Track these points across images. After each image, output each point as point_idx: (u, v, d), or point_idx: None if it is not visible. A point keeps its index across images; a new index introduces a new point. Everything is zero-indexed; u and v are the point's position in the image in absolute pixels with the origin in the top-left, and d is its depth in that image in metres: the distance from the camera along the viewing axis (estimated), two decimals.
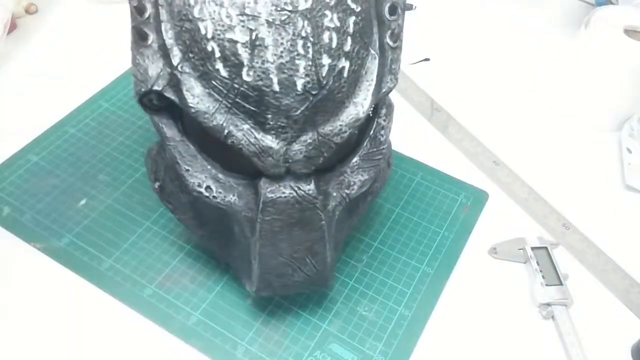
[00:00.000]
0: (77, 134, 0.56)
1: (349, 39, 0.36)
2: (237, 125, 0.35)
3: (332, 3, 0.35)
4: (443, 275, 0.48)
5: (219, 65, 0.34)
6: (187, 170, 0.38)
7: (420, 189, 0.55)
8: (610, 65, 0.58)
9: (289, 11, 0.34)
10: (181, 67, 0.35)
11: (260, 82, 0.34)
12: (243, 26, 0.34)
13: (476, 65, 0.70)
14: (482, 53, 0.71)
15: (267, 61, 0.34)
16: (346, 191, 0.40)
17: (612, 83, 0.59)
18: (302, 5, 0.34)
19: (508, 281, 0.49)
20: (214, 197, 0.38)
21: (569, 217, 0.53)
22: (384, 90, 0.39)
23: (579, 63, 0.61)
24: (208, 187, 0.38)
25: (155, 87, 0.37)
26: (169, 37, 0.36)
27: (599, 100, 0.61)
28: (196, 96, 0.35)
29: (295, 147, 0.36)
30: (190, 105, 0.35)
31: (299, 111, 0.35)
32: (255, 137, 0.35)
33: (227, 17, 0.34)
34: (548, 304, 0.47)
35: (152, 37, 0.36)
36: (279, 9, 0.34)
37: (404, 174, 0.56)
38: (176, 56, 0.36)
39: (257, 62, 0.34)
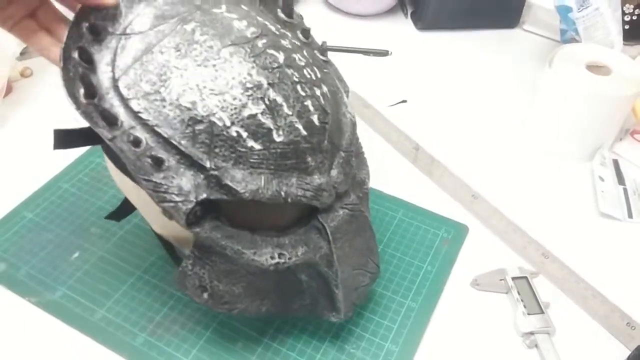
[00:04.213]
0: (71, 189, 0.58)
1: (315, 68, 0.41)
2: (287, 184, 0.37)
3: (293, 46, 0.40)
4: (428, 309, 0.50)
5: (251, 143, 0.36)
6: (254, 252, 0.39)
7: (402, 225, 0.57)
8: (575, 99, 0.61)
9: (278, 68, 0.37)
10: (214, 165, 0.36)
11: (291, 136, 0.37)
12: (253, 98, 0.36)
13: (451, 104, 0.73)
14: (455, 92, 0.75)
15: (288, 115, 0.37)
16: (364, 188, 0.45)
17: (579, 116, 0.62)
18: (281, 58, 0.38)
19: (491, 312, 0.50)
20: (289, 259, 0.39)
21: (548, 246, 0.54)
22: (346, 91, 0.45)
23: (547, 98, 0.64)
24: (280, 254, 0.39)
25: (202, 196, 0.36)
26: (184, 147, 0.35)
27: (569, 132, 0.64)
28: (241, 181, 0.36)
29: (334, 172, 0.40)
30: (242, 192, 0.36)
31: (325, 141, 0.39)
32: (306, 184, 0.38)
33: (234, 99, 0.36)
34: (531, 333, 0.48)
35: (165, 156, 0.35)
36: (270, 69, 0.37)
37: (385, 212, 0.58)
38: (203, 158, 0.35)
39: (281, 121, 0.36)
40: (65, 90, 0.35)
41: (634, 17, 0.79)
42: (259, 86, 0.36)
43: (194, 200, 0.36)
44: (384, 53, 0.80)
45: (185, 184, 0.35)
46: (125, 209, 0.49)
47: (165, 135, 0.35)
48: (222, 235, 0.38)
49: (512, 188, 0.61)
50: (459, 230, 0.56)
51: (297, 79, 0.38)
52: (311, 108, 0.38)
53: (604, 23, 0.70)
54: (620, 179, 0.61)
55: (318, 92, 0.39)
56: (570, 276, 0.52)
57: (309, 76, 0.39)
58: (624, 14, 0.77)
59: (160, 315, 0.48)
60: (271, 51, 0.38)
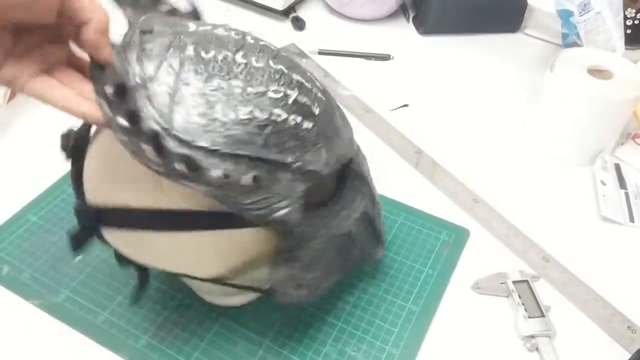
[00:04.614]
0: None
1: None
2: (337, 147, 0.41)
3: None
4: (429, 313, 0.50)
5: (306, 124, 0.38)
6: (338, 221, 0.42)
7: (404, 229, 0.57)
8: (576, 103, 0.61)
9: (278, 53, 0.39)
10: (293, 158, 0.37)
11: (322, 105, 0.40)
12: (287, 85, 0.37)
13: (452, 108, 0.73)
14: (457, 97, 0.75)
15: (311, 89, 0.39)
16: None
17: (580, 120, 0.62)
18: (271, 46, 0.40)
19: (492, 315, 0.50)
20: (354, 212, 0.44)
21: (549, 250, 0.54)
22: None
23: (549, 103, 0.64)
24: (352, 212, 0.43)
25: (302, 189, 0.38)
26: (264, 154, 0.36)
27: (570, 136, 0.64)
28: (316, 161, 0.38)
29: (345, 123, 0.44)
30: (321, 170, 0.39)
31: (332, 101, 0.43)
32: (344, 141, 0.42)
33: (276, 92, 0.37)
34: (532, 336, 0.48)
35: (256, 172, 0.36)
36: (278, 57, 0.39)
37: (387, 216, 0.58)
38: (283, 157, 0.37)
39: (311, 96, 0.39)
40: (140, 161, 0.34)
41: (636, 21, 0.79)
42: (282, 73, 0.38)
43: (299, 196, 0.37)
44: (385, 57, 0.81)
45: (283, 187, 0.37)
46: (143, 284, 0.47)
47: (246, 153, 0.35)
48: (316, 221, 0.40)
49: (513, 192, 0.61)
50: (460, 234, 0.57)
51: (291, 58, 0.40)
52: (313, 77, 0.41)
53: (605, 27, 0.71)
54: (622, 183, 0.62)
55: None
56: (571, 280, 0.52)
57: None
58: (625, 18, 0.77)
59: (163, 318, 0.48)
60: (261, 43, 0.39)
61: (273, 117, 0.36)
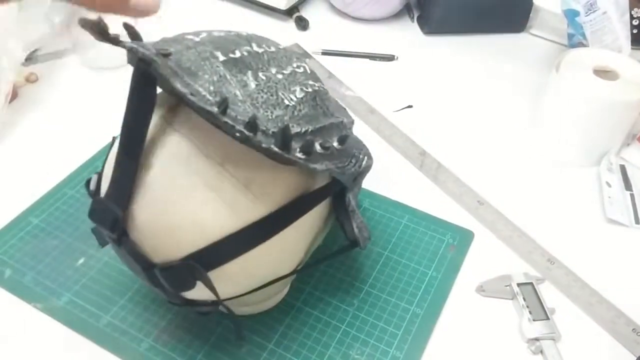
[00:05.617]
0: (76, 195, 0.58)
1: None
2: None
3: None
4: (433, 315, 0.49)
5: (324, 87, 0.43)
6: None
7: (408, 231, 0.57)
8: (582, 104, 0.60)
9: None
10: (340, 117, 0.42)
11: None
12: (301, 62, 0.42)
13: (457, 109, 0.73)
14: (462, 98, 0.74)
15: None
16: None
17: (586, 121, 0.62)
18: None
19: (496, 318, 0.50)
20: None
21: (553, 252, 0.54)
22: None
23: (554, 103, 0.63)
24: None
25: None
26: (331, 119, 0.40)
27: (575, 137, 0.63)
28: (345, 112, 0.45)
29: None
30: (352, 117, 0.46)
31: None
32: None
33: (297, 66, 0.41)
34: (536, 339, 0.47)
35: (338, 133, 0.40)
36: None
37: (391, 218, 0.58)
38: (338, 118, 0.41)
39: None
40: (281, 162, 0.35)
41: None
42: (287, 50, 0.41)
43: (360, 143, 0.43)
44: (390, 58, 0.80)
45: (353, 142, 0.41)
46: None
47: (321, 125, 0.38)
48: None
49: (518, 194, 0.61)
50: (464, 236, 0.56)
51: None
52: None
53: (611, 27, 0.70)
54: (627, 185, 0.61)
55: None
56: (576, 282, 0.52)
57: None
58: (632, 18, 0.76)
59: (166, 321, 0.48)
60: (250, 32, 0.42)
61: (314, 88, 0.39)
